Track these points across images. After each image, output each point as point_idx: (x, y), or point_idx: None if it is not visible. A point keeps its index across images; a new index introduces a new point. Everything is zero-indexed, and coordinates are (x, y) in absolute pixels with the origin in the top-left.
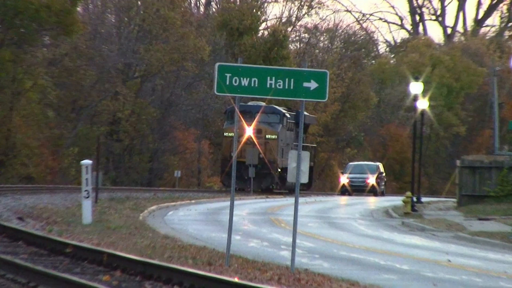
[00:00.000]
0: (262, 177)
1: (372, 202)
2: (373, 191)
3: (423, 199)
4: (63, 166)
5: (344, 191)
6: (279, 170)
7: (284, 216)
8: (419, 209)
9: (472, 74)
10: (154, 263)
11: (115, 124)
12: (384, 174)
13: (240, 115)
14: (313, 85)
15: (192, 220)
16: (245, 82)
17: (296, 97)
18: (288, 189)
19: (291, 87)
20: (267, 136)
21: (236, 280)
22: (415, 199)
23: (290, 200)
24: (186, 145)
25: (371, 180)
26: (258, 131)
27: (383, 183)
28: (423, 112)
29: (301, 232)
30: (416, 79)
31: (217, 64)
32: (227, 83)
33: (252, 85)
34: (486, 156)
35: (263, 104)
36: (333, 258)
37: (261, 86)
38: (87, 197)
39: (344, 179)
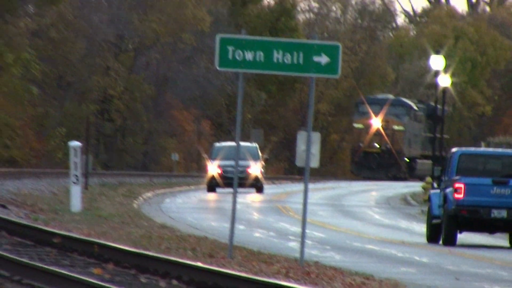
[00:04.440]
0: (388, 166)
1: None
2: (255, 186)
3: None
4: (49, 149)
5: (213, 186)
6: (407, 159)
7: (292, 204)
8: None
9: (499, 47)
10: (150, 255)
11: (106, 102)
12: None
13: (369, 107)
14: (324, 59)
15: (192, 208)
16: (249, 56)
17: (306, 73)
18: (419, 178)
19: (300, 62)
20: (394, 127)
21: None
22: (436, 185)
23: (299, 186)
24: (184, 125)
25: (254, 169)
26: (385, 123)
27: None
28: (445, 90)
29: (311, 221)
30: (438, 52)
31: (218, 36)
32: (230, 57)
33: (257, 59)
34: None
35: (391, 96)
36: (345, 249)
37: (267, 60)
38: (76, 183)
39: (213, 169)
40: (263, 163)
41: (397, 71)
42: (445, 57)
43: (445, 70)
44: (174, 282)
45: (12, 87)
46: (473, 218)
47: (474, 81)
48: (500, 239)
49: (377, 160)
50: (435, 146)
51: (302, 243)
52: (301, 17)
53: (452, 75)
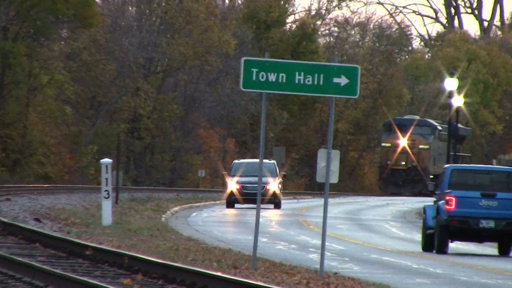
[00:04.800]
0: (414, 182)
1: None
2: (274, 202)
3: None
4: (82, 165)
5: (232, 202)
6: (431, 176)
7: (313, 218)
8: None
9: (509, 69)
10: (177, 266)
11: (136, 121)
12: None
13: (396, 128)
14: (343, 80)
15: (217, 222)
16: (272, 77)
17: (326, 94)
18: None
19: (321, 83)
20: (420, 146)
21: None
22: None
23: (319, 201)
24: (210, 143)
25: (272, 185)
26: (412, 142)
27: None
28: (458, 110)
29: (331, 234)
30: (451, 74)
31: (243, 59)
32: (254, 78)
33: (280, 80)
34: None
35: (417, 117)
36: (363, 261)
37: (289, 81)
38: (107, 198)
39: (232, 185)
40: (281, 180)
41: (413, 92)
42: (458, 78)
43: (459, 91)
44: None
45: (47, 107)
46: (463, 228)
47: (486, 102)
48: (491, 248)
49: (403, 177)
50: (449, 162)
51: (322, 255)
52: (321, 40)
53: (465, 96)
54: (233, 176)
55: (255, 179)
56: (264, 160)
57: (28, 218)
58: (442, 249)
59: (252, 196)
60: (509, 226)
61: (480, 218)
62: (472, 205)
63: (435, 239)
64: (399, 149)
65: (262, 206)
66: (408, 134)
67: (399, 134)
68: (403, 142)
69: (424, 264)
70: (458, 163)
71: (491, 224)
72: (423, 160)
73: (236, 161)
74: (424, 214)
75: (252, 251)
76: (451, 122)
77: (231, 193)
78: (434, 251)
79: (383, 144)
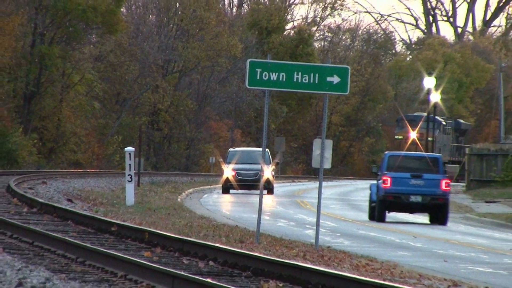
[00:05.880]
0: None
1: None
2: (267, 188)
3: None
4: (108, 153)
5: (227, 188)
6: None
7: (309, 199)
8: None
9: (480, 70)
10: (191, 241)
11: (155, 114)
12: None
13: (407, 123)
14: (335, 79)
15: (226, 202)
16: (274, 76)
17: (320, 91)
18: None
19: (316, 81)
20: (427, 139)
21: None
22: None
23: (314, 184)
24: (220, 134)
25: (267, 172)
26: (420, 135)
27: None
28: (435, 105)
29: (324, 213)
30: (430, 74)
31: (248, 60)
32: (258, 77)
33: (280, 79)
34: (492, 144)
35: (425, 114)
36: (353, 236)
37: (288, 80)
38: (130, 181)
39: (228, 172)
40: (274, 167)
41: (396, 89)
42: (436, 78)
43: (436, 88)
44: (211, 263)
45: (78, 102)
46: (397, 202)
47: (460, 98)
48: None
49: None
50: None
51: (317, 231)
52: (316, 44)
53: (442, 93)
54: (229, 163)
55: (250, 166)
56: (259, 149)
57: (62, 199)
58: (381, 218)
59: (246, 182)
60: (433, 200)
61: (410, 194)
62: (403, 184)
63: (376, 211)
64: (409, 141)
65: (256, 192)
66: (417, 128)
67: (410, 128)
68: (413, 135)
69: (406, 239)
70: (460, 153)
71: (419, 199)
72: (430, 151)
73: (231, 149)
74: (370, 190)
75: (256, 228)
76: (455, 119)
77: (227, 179)
78: (375, 220)
79: (396, 137)
